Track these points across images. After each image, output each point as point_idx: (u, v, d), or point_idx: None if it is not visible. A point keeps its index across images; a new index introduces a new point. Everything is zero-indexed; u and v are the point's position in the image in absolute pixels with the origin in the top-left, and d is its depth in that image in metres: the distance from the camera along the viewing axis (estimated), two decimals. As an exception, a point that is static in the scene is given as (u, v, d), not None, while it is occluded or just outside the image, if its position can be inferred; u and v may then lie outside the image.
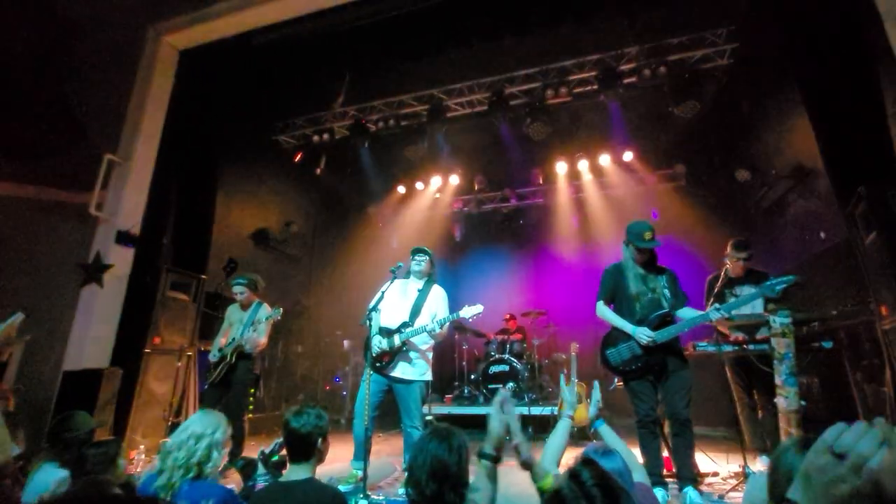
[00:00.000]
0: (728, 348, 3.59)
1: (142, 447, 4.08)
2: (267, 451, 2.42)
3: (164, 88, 5.39)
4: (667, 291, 3.10)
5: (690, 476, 2.90)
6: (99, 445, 2.24)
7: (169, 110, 5.39)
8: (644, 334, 2.98)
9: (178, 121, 5.43)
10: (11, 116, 4.29)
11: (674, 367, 3.01)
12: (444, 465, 1.49)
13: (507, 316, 7.16)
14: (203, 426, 1.92)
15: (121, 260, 4.71)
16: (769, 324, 3.09)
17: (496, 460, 1.51)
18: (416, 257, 3.69)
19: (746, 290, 3.51)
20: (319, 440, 1.90)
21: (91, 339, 4.44)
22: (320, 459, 1.96)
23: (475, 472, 1.51)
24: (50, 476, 2.16)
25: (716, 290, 3.67)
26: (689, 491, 2.81)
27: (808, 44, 3.95)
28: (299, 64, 5.88)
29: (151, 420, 4.59)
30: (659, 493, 2.88)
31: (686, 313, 3.05)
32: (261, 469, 2.41)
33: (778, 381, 2.93)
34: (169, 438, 1.96)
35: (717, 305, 2.94)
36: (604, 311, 3.25)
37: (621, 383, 3.31)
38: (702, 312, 3.01)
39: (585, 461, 1.04)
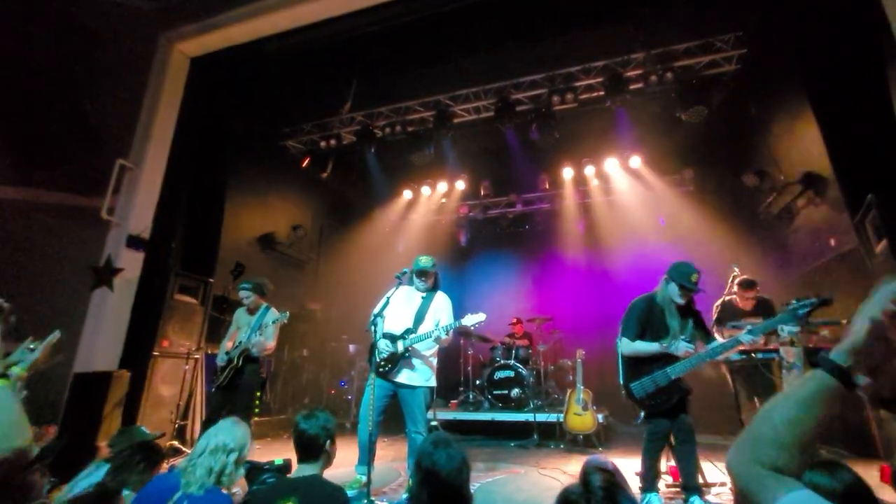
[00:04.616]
0: (736, 357, 3.55)
1: (149, 449, 4.12)
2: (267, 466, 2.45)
3: (174, 95, 5.48)
4: (694, 330, 3.06)
5: (696, 485, 2.87)
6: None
7: (179, 116, 5.48)
8: (683, 346, 2.89)
9: (189, 126, 5.51)
10: (30, 124, 4.40)
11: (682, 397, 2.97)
12: (446, 475, 1.47)
13: (514, 320, 7.13)
14: (235, 441, 1.90)
15: (131, 263, 4.77)
16: (777, 332, 3.05)
17: None
18: (419, 279, 3.61)
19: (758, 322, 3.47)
20: (327, 442, 1.97)
21: (101, 341, 4.50)
22: (328, 462, 2.02)
23: None
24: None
25: (721, 318, 3.74)
26: (696, 501, 2.79)
27: (818, 49, 3.93)
28: (307, 70, 5.95)
29: (159, 422, 4.62)
30: (654, 498, 2.86)
31: (713, 342, 3.01)
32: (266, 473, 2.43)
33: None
34: (199, 442, 1.91)
35: (749, 328, 2.86)
36: (632, 346, 3.03)
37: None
38: (733, 337, 2.93)
39: (600, 468, 1.08)
